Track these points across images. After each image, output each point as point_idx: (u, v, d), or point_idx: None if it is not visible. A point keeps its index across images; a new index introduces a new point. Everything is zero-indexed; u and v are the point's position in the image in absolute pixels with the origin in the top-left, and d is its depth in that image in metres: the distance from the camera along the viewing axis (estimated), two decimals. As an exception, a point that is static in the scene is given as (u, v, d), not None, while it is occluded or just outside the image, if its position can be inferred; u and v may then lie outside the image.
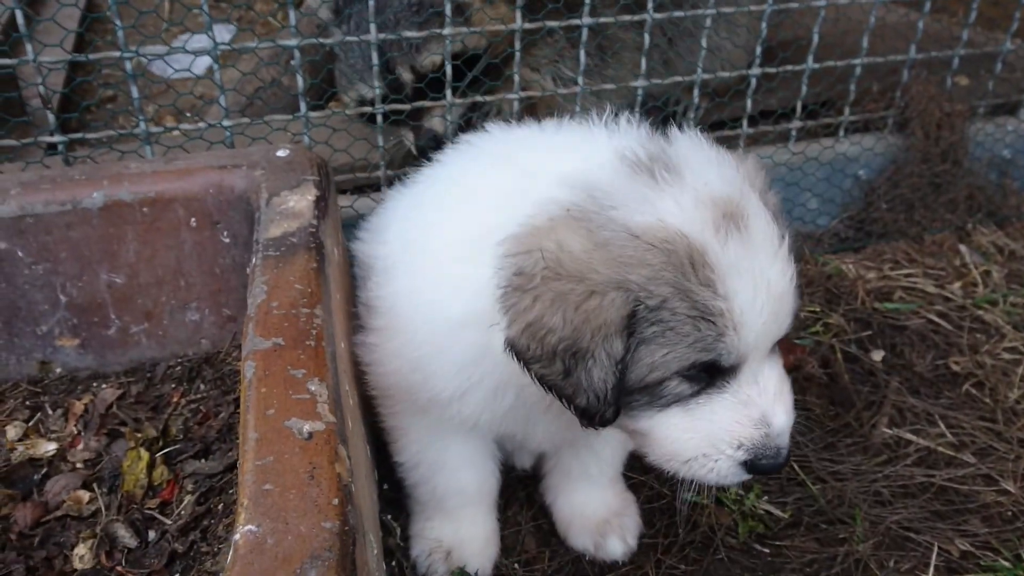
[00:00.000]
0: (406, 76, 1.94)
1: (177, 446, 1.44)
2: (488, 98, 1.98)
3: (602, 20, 1.95)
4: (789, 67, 2.24)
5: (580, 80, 2.01)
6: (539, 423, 1.33)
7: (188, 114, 3.07)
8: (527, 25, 1.87)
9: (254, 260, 1.30)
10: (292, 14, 1.72)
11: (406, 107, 1.93)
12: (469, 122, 2.06)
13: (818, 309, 2.19)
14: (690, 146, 1.17)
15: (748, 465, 1.12)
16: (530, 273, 1.07)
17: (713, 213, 1.06)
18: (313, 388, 1.04)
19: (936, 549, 1.55)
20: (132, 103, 1.69)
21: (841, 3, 2.23)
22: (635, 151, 1.14)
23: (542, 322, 1.06)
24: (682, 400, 1.11)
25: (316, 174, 1.52)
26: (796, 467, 1.75)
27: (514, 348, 1.09)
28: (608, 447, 1.55)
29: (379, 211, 1.66)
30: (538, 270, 1.06)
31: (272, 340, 1.12)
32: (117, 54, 1.66)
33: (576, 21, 1.92)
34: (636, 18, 2.01)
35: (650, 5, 1.98)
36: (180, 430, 1.48)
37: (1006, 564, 1.53)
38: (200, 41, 3.18)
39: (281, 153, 1.57)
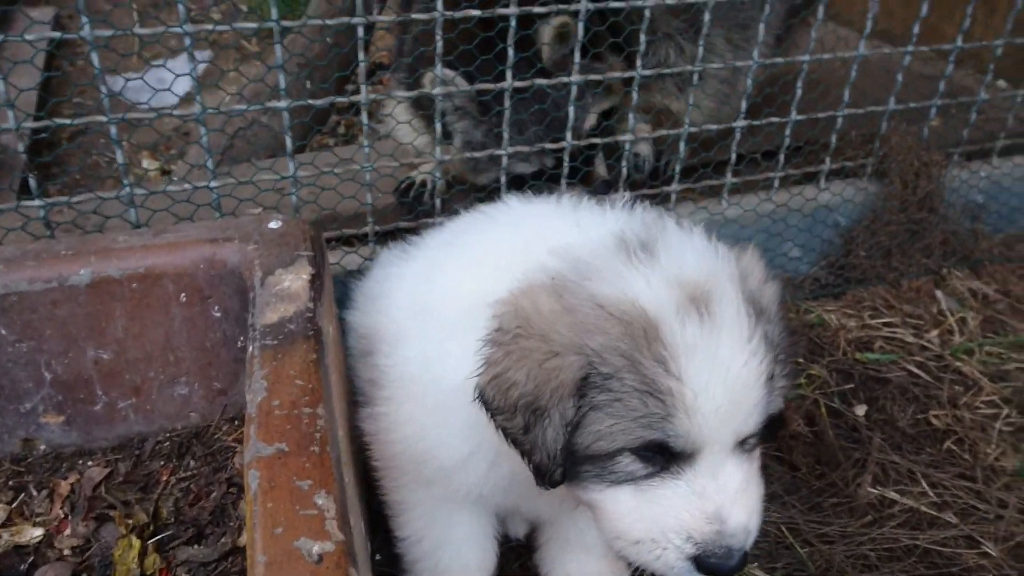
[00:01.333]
0: (568, 140, 2.10)
1: (169, 531, 1.41)
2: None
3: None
4: (774, 119, 2.27)
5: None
6: (541, 493, 1.34)
7: (164, 151, 3.02)
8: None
9: (251, 349, 1.28)
10: (281, 77, 1.69)
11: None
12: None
13: (801, 360, 2.22)
14: (678, 233, 1.19)
15: (697, 562, 1.09)
16: (506, 329, 1.11)
17: (679, 294, 1.07)
18: (320, 502, 1.03)
19: (924, 618, 1.58)
20: (118, 168, 1.65)
21: (824, 58, 2.26)
22: (628, 232, 1.16)
23: (507, 375, 1.10)
24: (635, 480, 1.10)
25: (310, 248, 1.50)
26: (784, 529, 1.77)
27: (482, 397, 1.12)
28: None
29: (376, 278, 1.65)
30: (512, 326, 1.10)
31: (275, 446, 1.10)
32: (102, 118, 1.62)
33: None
34: (626, 75, 2.05)
35: (639, 64, 2.00)
36: (171, 512, 1.45)
37: (990, 630, 1.57)
38: (177, 65, 3.13)
39: (273, 225, 1.55)
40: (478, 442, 1.26)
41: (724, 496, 1.09)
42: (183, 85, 3.53)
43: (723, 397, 1.05)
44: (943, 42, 2.38)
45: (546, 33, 2.08)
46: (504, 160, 2.03)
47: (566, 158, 2.10)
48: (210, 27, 1.65)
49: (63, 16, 4.16)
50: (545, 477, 1.11)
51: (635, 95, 2.09)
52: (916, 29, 2.31)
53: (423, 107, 2.10)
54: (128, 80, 1.84)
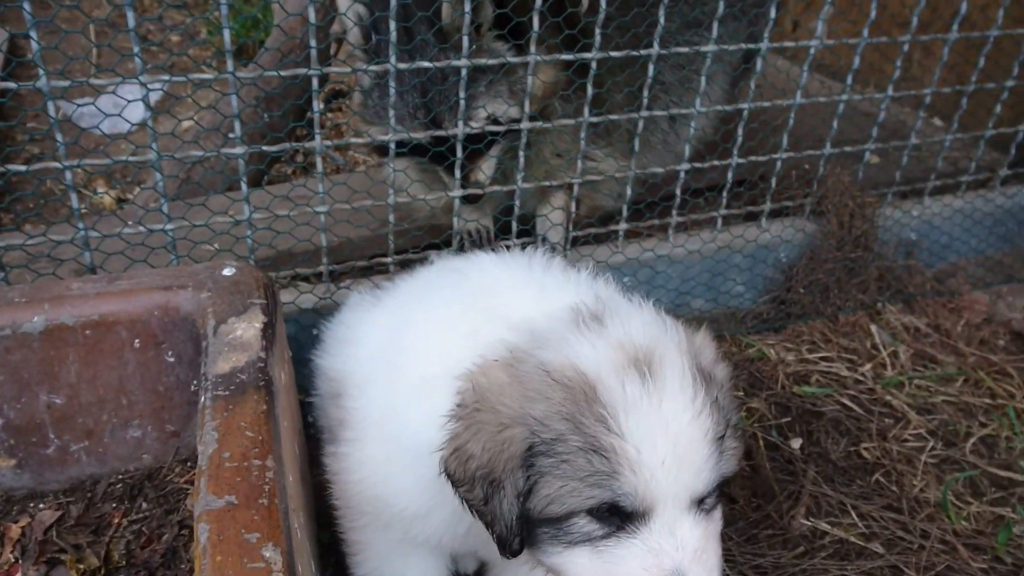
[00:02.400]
0: (452, 130, 1.97)
1: (120, 574, 1.44)
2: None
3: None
4: (716, 163, 2.37)
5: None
6: None
7: (119, 178, 3.02)
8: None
9: (203, 399, 1.32)
10: (237, 125, 1.74)
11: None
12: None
13: (742, 394, 2.31)
14: (629, 306, 1.26)
15: None
16: (465, 403, 1.17)
17: (621, 356, 1.12)
18: (268, 555, 1.08)
19: (848, 648, 1.67)
20: (72, 213, 1.67)
21: (764, 106, 2.37)
22: (582, 304, 1.22)
23: (466, 448, 1.15)
24: (591, 540, 1.13)
25: (263, 296, 1.55)
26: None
27: (445, 470, 1.17)
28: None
29: (346, 323, 1.69)
30: (471, 401, 1.16)
31: (225, 498, 1.14)
32: (57, 165, 1.64)
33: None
34: (600, 119, 2.13)
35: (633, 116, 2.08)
36: (122, 555, 1.48)
37: (910, 657, 1.67)
38: (131, 91, 3.14)
39: (227, 272, 1.59)
40: (440, 497, 1.29)
41: (682, 554, 1.10)
42: (137, 111, 3.54)
43: (668, 452, 1.08)
44: (884, 79, 2.52)
45: None
46: (391, 119, 1.94)
47: (458, 146, 1.99)
48: (166, 78, 1.69)
49: (18, 37, 4.13)
50: (506, 546, 1.15)
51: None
52: (856, 64, 2.43)
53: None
54: (80, 106, 1.86)
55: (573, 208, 2.34)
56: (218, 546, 1.08)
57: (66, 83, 1.57)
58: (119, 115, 1.90)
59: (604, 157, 2.37)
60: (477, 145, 2.05)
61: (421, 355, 1.34)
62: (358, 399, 1.46)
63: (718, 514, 1.20)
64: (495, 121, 2.04)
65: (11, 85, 1.57)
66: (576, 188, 2.27)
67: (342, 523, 1.53)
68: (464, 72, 1.87)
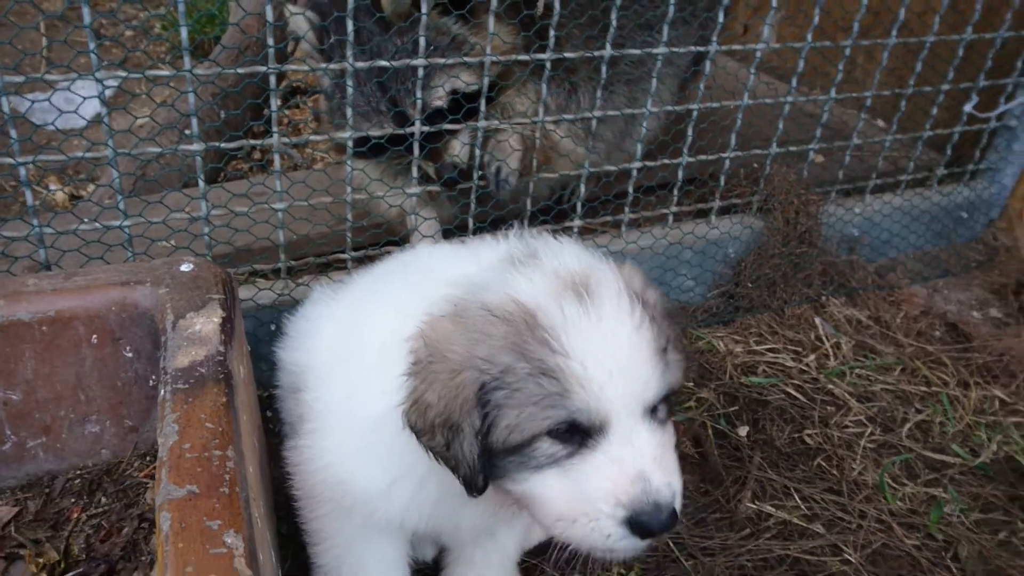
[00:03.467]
0: (413, 112, 1.97)
1: (80, 568, 1.45)
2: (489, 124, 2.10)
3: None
4: (667, 161, 2.45)
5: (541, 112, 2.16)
6: (464, 515, 1.44)
7: (72, 174, 2.99)
8: (522, 57, 1.98)
9: (163, 393, 1.34)
10: (194, 122, 1.75)
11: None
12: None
13: (691, 384, 2.39)
14: (559, 243, 1.31)
15: (632, 524, 1.14)
16: (418, 359, 1.22)
17: (558, 284, 1.18)
18: (229, 541, 1.11)
19: (789, 623, 1.76)
20: (26, 210, 1.67)
21: (713, 106, 2.45)
22: (516, 250, 1.28)
23: (423, 399, 1.20)
24: (557, 462, 1.17)
25: (222, 291, 1.57)
26: (671, 544, 1.93)
27: (408, 423, 1.22)
28: (511, 539, 1.68)
29: (306, 316, 1.72)
30: (423, 356, 1.21)
31: (187, 488, 1.17)
32: (11, 161, 1.64)
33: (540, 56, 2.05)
34: (575, 117, 2.18)
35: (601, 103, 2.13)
36: (82, 548, 1.49)
37: (847, 631, 1.76)
38: (85, 87, 3.10)
39: (185, 268, 1.61)
40: (400, 471, 1.36)
41: (643, 459, 1.15)
42: (91, 107, 3.50)
43: (613, 364, 1.12)
44: (828, 82, 2.62)
45: None
46: (350, 118, 1.93)
47: (417, 131, 1.98)
48: (123, 74, 1.69)
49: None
50: (472, 486, 1.20)
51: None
52: (800, 67, 2.53)
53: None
54: (34, 101, 1.85)
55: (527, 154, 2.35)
56: (180, 534, 1.11)
57: (20, 79, 1.56)
58: (74, 111, 1.91)
59: (567, 142, 2.41)
60: (445, 125, 2.07)
61: (371, 338, 1.39)
62: (317, 390, 1.49)
63: (671, 428, 1.25)
64: (457, 95, 2.04)
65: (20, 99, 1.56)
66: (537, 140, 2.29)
67: (304, 514, 1.56)
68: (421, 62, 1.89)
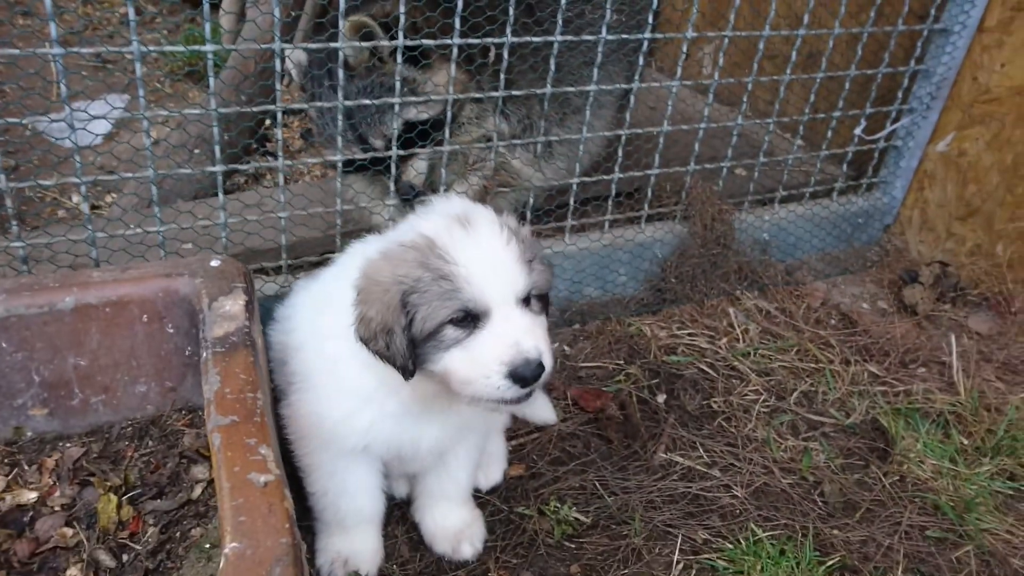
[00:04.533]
0: (377, 143, 2.47)
1: (137, 490, 1.90)
2: (444, 149, 2.60)
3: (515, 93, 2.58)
4: (602, 177, 2.95)
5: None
6: (422, 436, 1.90)
7: (91, 188, 3.42)
8: (462, 95, 2.47)
9: (204, 355, 1.81)
10: (217, 149, 2.22)
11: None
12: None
13: (622, 362, 2.90)
14: (452, 198, 1.81)
15: (513, 377, 1.57)
16: (360, 288, 1.69)
17: (448, 220, 1.67)
18: (263, 452, 1.58)
19: (682, 537, 2.26)
20: (84, 219, 2.13)
21: (639, 132, 2.96)
22: (417, 212, 1.79)
23: (367, 315, 1.67)
24: (459, 342, 1.64)
25: (243, 281, 2.04)
26: (597, 484, 2.42)
27: (358, 337, 1.68)
28: (462, 469, 2.14)
29: (288, 303, 2.19)
30: (363, 285, 1.69)
31: (230, 417, 1.64)
32: (75, 180, 2.10)
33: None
34: (519, 142, 2.67)
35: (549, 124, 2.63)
36: (137, 478, 1.94)
37: (730, 546, 2.26)
38: (96, 109, 3.54)
39: (214, 263, 2.07)
40: (358, 401, 1.83)
41: (516, 332, 1.62)
42: (104, 126, 3.94)
43: (489, 268, 1.59)
44: (757, 102, 3.15)
45: (345, 28, 2.31)
46: (339, 144, 2.45)
47: (393, 156, 2.44)
48: (164, 112, 2.15)
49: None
50: (405, 371, 1.66)
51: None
52: (711, 99, 3.05)
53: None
54: (52, 120, 2.27)
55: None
56: (228, 447, 1.58)
57: (84, 110, 2.02)
58: (84, 128, 2.32)
59: (522, 165, 2.92)
60: (408, 150, 2.56)
61: (334, 305, 1.83)
62: (296, 358, 1.97)
63: (544, 319, 1.73)
64: (409, 125, 2.54)
65: (42, 119, 2.01)
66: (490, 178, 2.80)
67: (297, 454, 2.02)
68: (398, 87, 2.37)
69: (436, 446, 1.94)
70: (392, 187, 2.57)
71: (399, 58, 2.27)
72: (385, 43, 2.37)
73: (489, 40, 2.42)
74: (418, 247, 1.63)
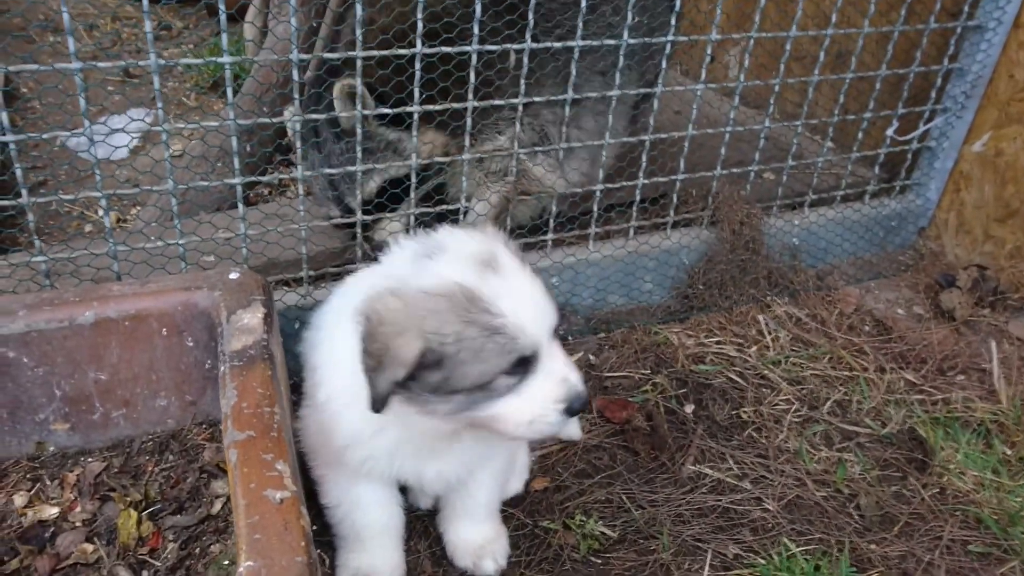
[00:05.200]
0: (354, 204, 2.48)
1: (157, 505, 1.89)
2: (425, 209, 2.59)
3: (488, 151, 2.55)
4: (626, 183, 2.90)
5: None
6: (425, 465, 1.87)
7: (115, 201, 3.45)
8: (442, 159, 2.46)
9: (222, 368, 1.79)
10: (236, 160, 2.21)
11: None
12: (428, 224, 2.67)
13: (648, 372, 2.84)
14: (451, 234, 1.73)
15: (566, 411, 1.60)
16: (370, 317, 1.58)
17: (476, 265, 1.59)
18: (280, 467, 1.55)
19: (712, 552, 2.19)
20: (105, 233, 2.13)
21: (662, 137, 2.90)
22: (418, 248, 1.70)
23: (371, 347, 1.56)
24: (512, 389, 1.60)
25: (262, 294, 2.02)
26: (624, 497, 2.36)
27: (360, 349, 1.59)
28: (482, 491, 2.10)
29: (317, 313, 2.15)
30: (374, 316, 1.58)
31: (246, 433, 1.62)
32: (97, 194, 2.10)
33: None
34: (507, 151, 2.64)
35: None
36: (157, 493, 1.93)
37: (762, 562, 2.19)
38: (119, 123, 3.57)
39: (233, 276, 2.06)
40: (357, 432, 1.79)
41: (563, 367, 1.63)
42: (129, 140, 3.97)
43: (531, 311, 1.58)
44: (784, 104, 3.08)
45: (336, 92, 2.36)
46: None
47: (363, 217, 2.47)
48: (186, 124, 2.15)
49: (9, 74, 4.52)
50: (374, 406, 1.59)
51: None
52: (736, 99, 2.99)
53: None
54: (72, 134, 2.28)
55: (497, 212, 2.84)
56: (245, 462, 1.55)
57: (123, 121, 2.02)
58: (104, 141, 2.33)
59: (544, 172, 2.88)
60: (383, 210, 2.60)
61: (340, 334, 1.79)
62: (313, 378, 1.94)
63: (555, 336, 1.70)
64: (391, 183, 2.56)
65: (64, 134, 2.02)
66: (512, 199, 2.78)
67: (310, 464, 2.00)
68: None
69: (439, 478, 1.90)
70: (367, 247, 2.61)
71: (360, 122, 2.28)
72: (344, 115, 2.39)
73: (509, 46, 2.38)
74: (452, 297, 1.54)
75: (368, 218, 2.53)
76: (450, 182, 2.75)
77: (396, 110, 2.29)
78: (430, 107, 2.32)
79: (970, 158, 3.46)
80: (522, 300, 1.58)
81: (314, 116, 2.26)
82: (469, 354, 1.54)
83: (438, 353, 1.54)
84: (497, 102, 2.47)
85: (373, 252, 2.55)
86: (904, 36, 3.24)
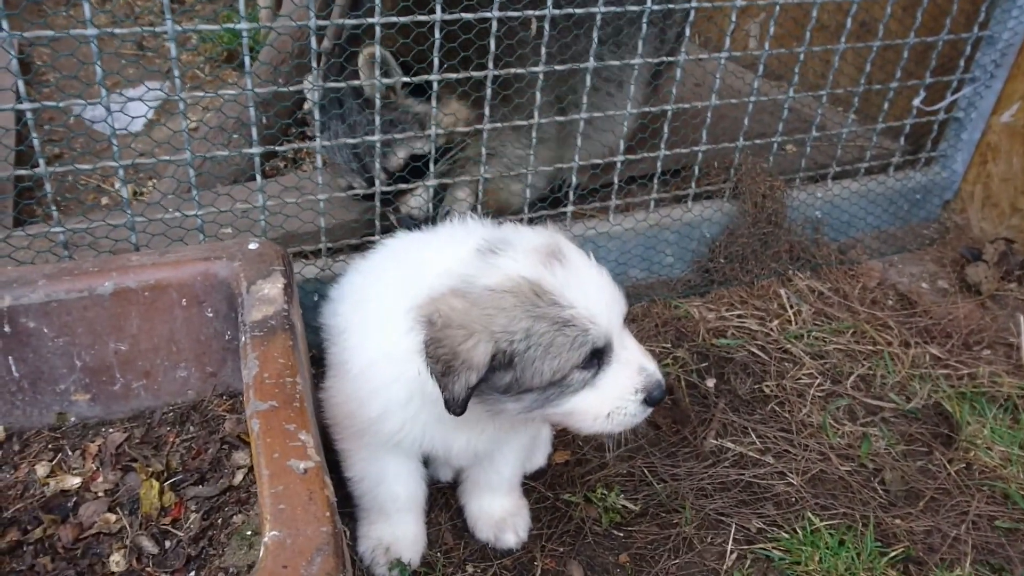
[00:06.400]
0: (381, 176, 2.43)
1: (179, 476, 1.88)
2: (446, 180, 2.53)
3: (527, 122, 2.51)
4: (647, 155, 2.85)
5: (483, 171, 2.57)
6: (453, 439, 1.86)
7: (132, 173, 3.43)
8: (466, 128, 2.40)
9: (243, 339, 1.77)
10: (254, 130, 2.18)
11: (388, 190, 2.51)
12: (442, 200, 2.62)
13: (669, 346, 2.80)
14: (513, 228, 1.71)
15: (648, 401, 1.58)
16: (433, 321, 1.55)
17: (540, 257, 1.55)
18: (303, 437, 1.54)
19: (736, 526, 2.17)
20: (123, 204, 2.11)
21: (684, 107, 2.84)
22: (481, 242, 1.64)
23: (438, 350, 1.53)
24: (587, 383, 1.58)
25: (282, 264, 1.99)
26: (646, 471, 2.34)
27: (424, 350, 1.56)
28: (507, 465, 2.09)
29: (339, 284, 2.13)
30: (438, 319, 1.55)
31: (269, 403, 1.60)
32: (113, 164, 2.08)
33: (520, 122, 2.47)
34: (526, 123, 2.59)
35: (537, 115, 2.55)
36: (179, 463, 1.92)
37: (786, 536, 2.17)
38: (135, 94, 3.54)
39: (253, 246, 2.03)
40: (389, 403, 1.75)
41: (636, 355, 1.60)
42: (144, 111, 3.94)
43: (603, 300, 1.55)
44: (807, 73, 3.01)
45: (360, 61, 2.29)
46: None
47: (384, 189, 2.43)
48: (200, 94, 2.12)
49: (24, 44, 4.49)
50: (451, 410, 1.55)
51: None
52: (760, 70, 2.93)
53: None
54: (88, 104, 2.25)
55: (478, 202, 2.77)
56: (267, 432, 1.54)
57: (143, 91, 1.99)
58: (120, 111, 2.29)
59: (522, 150, 2.79)
60: (406, 183, 2.53)
61: (372, 304, 1.80)
62: (338, 344, 1.91)
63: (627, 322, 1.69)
64: (414, 158, 2.49)
65: (79, 102, 1.99)
66: (480, 185, 2.70)
67: (333, 437, 1.98)
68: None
69: (467, 451, 1.88)
70: (392, 218, 2.54)
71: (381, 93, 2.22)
72: (369, 82, 2.30)
73: (531, 12, 2.33)
74: (518, 293, 1.50)
75: (391, 189, 2.49)
76: (474, 158, 2.69)
77: (418, 79, 2.24)
78: (450, 75, 2.27)
79: (998, 129, 3.39)
80: (591, 290, 1.53)
81: (336, 84, 2.20)
82: (540, 350, 1.49)
83: (509, 353, 1.50)
84: (518, 70, 2.42)
85: (399, 223, 2.52)
86: (933, 3, 3.15)
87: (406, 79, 2.26)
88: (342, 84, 2.20)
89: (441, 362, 1.52)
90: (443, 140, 2.52)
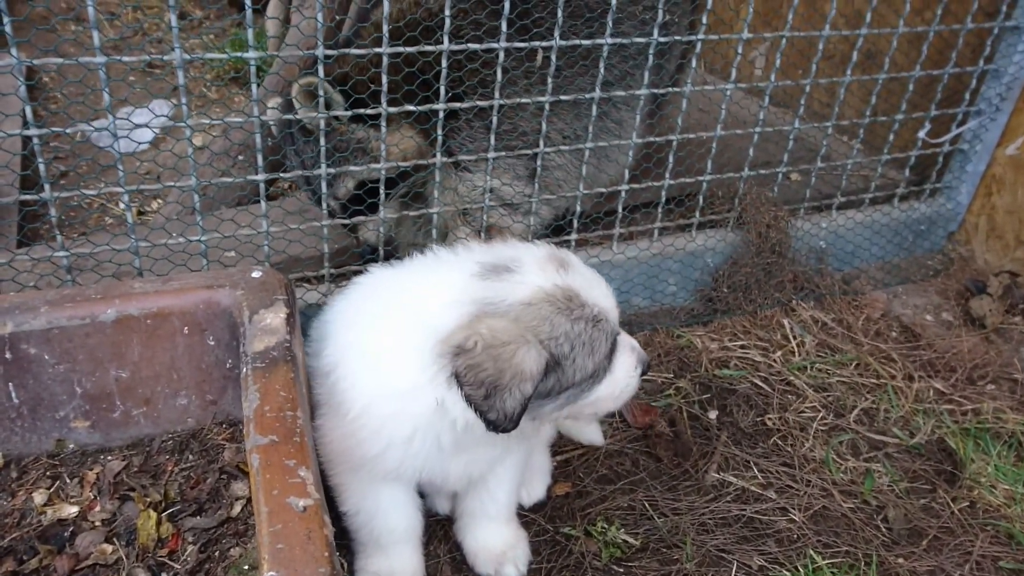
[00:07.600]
0: (332, 204, 2.44)
1: (177, 506, 1.87)
2: (412, 213, 2.51)
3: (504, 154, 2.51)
4: (651, 184, 2.85)
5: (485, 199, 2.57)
6: (452, 464, 1.84)
7: (137, 195, 3.43)
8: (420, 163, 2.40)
9: (245, 370, 1.77)
10: (259, 157, 2.18)
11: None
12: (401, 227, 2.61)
13: (671, 376, 2.79)
14: (513, 244, 1.79)
15: (642, 372, 1.81)
16: (469, 348, 1.57)
17: (554, 266, 1.68)
18: (303, 474, 1.52)
19: (737, 564, 2.15)
20: (127, 227, 2.11)
21: (690, 137, 2.85)
22: (480, 267, 1.69)
23: (480, 368, 1.55)
24: (607, 370, 1.72)
25: (285, 293, 1.99)
26: (647, 504, 2.32)
27: (457, 379, 1.58)
28: (502, 489, 2.07)
29: (316, 328, 2.11)
30: (477, 345, 1.56)
31: (269, 437, 1.59)
32: (119, 190, 2.08)
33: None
34: (531, 151, 2.59)
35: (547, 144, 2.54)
36: (177, 493, 1.91)
37: (788, 574, 2.15)
38: (141, 117, 3.55)
39: (256, 274, 2.03)
40: (388, 441, 1.76)
41: (627, 338, 1.79)
42: (149, 133, 3.96)
43: (608, 295, 1.74)
44: (812, 103, 3.01)
45: (294, 91, 2.28)
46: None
47: (334, 221, 2.45)
48: (207, 121, 2.12)
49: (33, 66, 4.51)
50: (500, 428, 1.58)
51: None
52: (766, 100, 2.93)
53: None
54: (96, 129, 2.27)
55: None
56: (267, 468, 1.53)
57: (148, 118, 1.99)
58: (139, 141, 2.33)
59: (511, 183, 2.77)
60: (361, 206, 2.51)
61: (363, 340, 1.81)
62: (323, 384, 1.90)
63: None
64: (361, 184, 2.48)
65: (87, 127, 1.99)
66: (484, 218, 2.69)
67: (327, 472, 1.96)
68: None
69: (464, 475, 1.89)
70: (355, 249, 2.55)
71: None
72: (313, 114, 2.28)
73: (537, 44, 2.34)
74: (554, 300, 1.62)
75: (346, 221, 2.50)
76: (429, 187, 2.65)
77: (354, 112, 2.19)
78: (392, 109, 2.22)
79: (1003, 161, 3.39)
80: (600, 288, 1.71)
81: (270, 118, 2.21)
82: (583, 348, 1.63)
83: (556, 356, 1.62)
84: (524, 99, 2.42)
85: (362, 249, 2.52)
86: (938, 36, 3.17)
87: (339, 113, 2.21)
88: (272, 119, 2.21)
89: (485, 385, 1.57)
90: (394, 168, 2.45)
